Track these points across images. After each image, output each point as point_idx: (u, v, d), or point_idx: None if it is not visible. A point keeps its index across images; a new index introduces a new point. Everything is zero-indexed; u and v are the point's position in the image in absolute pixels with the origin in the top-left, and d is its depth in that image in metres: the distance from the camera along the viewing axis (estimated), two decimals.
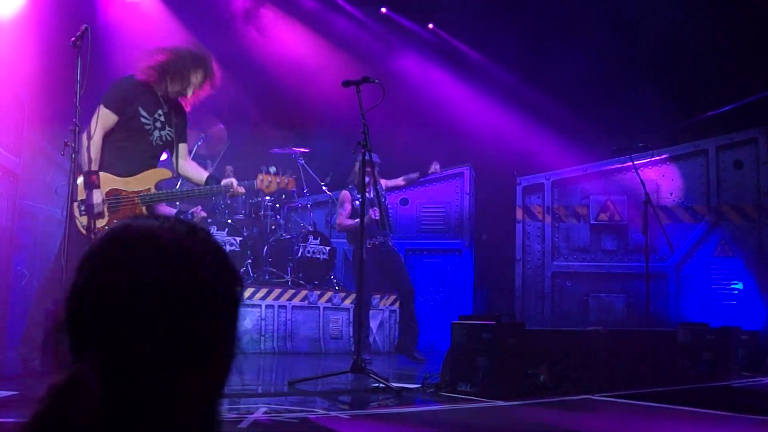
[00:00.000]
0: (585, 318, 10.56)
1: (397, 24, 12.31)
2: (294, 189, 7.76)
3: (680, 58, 10.80)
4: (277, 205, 9.80)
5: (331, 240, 9.90)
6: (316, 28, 11.84)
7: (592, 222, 11.07)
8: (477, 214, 11.63)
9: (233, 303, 1.14)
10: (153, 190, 5.61)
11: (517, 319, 6.53)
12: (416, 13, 12.25)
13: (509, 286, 11.51)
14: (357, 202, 8.41)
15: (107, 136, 5.58)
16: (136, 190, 5.55)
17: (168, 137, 5.85)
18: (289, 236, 9.73)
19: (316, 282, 9.58)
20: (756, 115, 10.52)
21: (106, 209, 5.44)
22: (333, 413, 4.42)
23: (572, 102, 11.26)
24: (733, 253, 10.20)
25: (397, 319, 9.04)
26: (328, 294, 9.46)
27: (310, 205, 10.31)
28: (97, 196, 5.36)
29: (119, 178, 5.53)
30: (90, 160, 5.35)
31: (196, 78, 5.81)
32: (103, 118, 5.54)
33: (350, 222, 8.51)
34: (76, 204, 5.35)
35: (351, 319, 9.38)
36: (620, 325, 9.96)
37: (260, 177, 6.01)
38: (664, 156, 10.76)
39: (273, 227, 9.79)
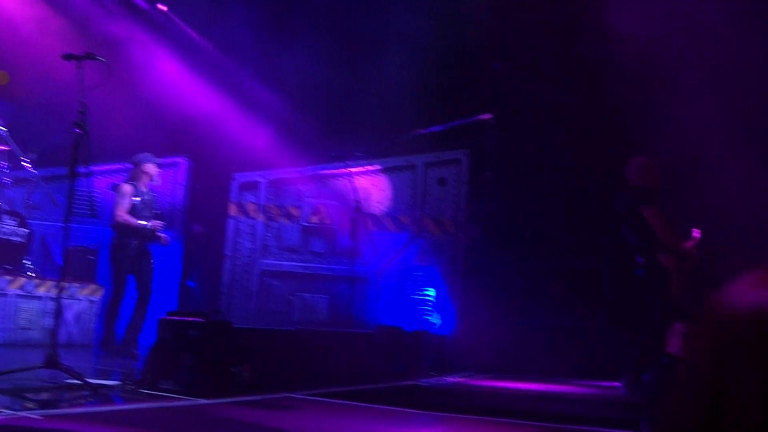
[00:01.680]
0: (289, 317, 10.77)
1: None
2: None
3: (400, 76, 11.38)
4: None
5: (29, 222, 9.18)
6: None
7: (304, 223, 11.31)
8: (190, 207, 11.42)
9: None
10: None
11: (224, 316, 6.48)
12: None
13: (217, 281, 11.42)
14: (137, 199, 8.83)
15: None
16: None
17: None
18: None
19: (9, 267, 8.82)
20: (461, 138, 11.38)
21: None
22: (22, 413, 4.08)
23: (296, 105, 11.44)
24: (430, 263, 10.93)
25: (129, 318, 8.81)
26: (21, 280, 8.74)
27: (9, 182, 9.46)
28: None
29: None
30: None
31: None
32: None
33: (133, 220, 8.76)
34: None
35: (47, 309, 8.77)
36: (323, 325, 10.28)
37: None
38: (377, 167, 11.27)
39: None
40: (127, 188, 8.90)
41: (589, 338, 10.03)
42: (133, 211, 8.82)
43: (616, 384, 7.32)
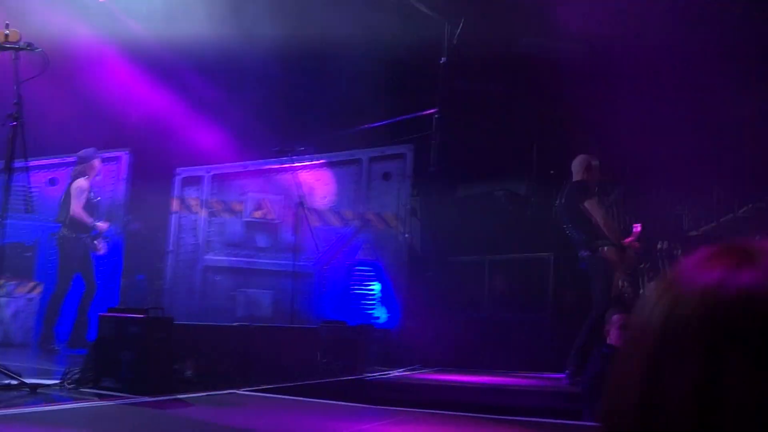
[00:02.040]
0: (233, 313, 10.66)
1: None
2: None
3: (346, 71, 11.37)
4: None
5: None
6: None
7: (247, 219, 11.21)
8: (131, 202, 11.22)
9: None
10: None
11: (166, 312, 6.39)
12: None
13: (159, 277, 11.27)
14: (91, 194, 9.19)
15: None
16: None
17: None
18: None
19: None
20: (406, 133, 11.41)
21: None
22: None
23: (239, 100, 11.33)
24: (374, 257, 10.93)
25: (76, 314, 8.92)
26: None
27: None
28: None
29: None
30: None
31: None
32: None
33: (87, 217, 9.05)
34: None
35: None
36: (267, 321, 10.20)
37: None
38: (321, 161, 11.22)
39: None
40: (84, 184, 8.97)
41: (533, 331, 10.16)
42: (88, 206, 8.88)
43: (560, 375, 7.43)
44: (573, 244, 7.66)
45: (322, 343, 7.76)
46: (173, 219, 11.27)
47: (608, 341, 4.86)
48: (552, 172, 10.56)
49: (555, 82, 10.09)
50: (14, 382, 5.08)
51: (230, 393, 5.72)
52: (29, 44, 5.65)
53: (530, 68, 10.59)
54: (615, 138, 8.95)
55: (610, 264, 7.26)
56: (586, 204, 7.34)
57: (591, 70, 9.82)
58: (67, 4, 11.36)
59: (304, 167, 10.93)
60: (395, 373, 8.54)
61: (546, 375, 8.70)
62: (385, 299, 10.70)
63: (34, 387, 5.09)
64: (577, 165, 7.71)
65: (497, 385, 7.79)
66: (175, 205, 11.27)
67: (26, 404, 4.64)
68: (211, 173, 11.36)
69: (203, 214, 11.29)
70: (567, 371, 7.18)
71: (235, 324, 7.09)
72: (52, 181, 10.76)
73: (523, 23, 10.61)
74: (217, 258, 11.21)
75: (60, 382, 5.44)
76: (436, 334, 10.14)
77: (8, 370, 5.18)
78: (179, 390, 5.51)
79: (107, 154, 10.82)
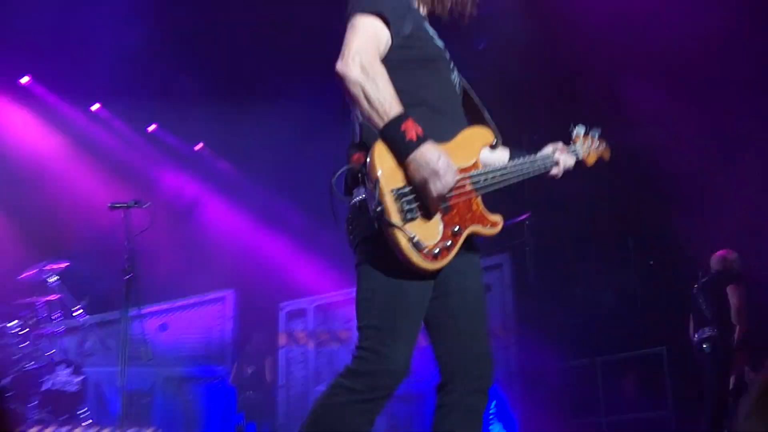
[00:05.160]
0: None
1: (163, 143, 12.15)
2: None
3: None
4: (24, 331, 8.98)
5: (84, 369, 9.27)
6: (78, 141, 11.37)
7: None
8: (239, 340, 11.42)
9: None
10: (480, 166, 3.06)
11: None
12: (185, 133, 12.12)
13: (271, 413, 11.31)
14: None
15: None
16: (463, 166, 2.98)
17: (459, 82, 3.20)
18: (35, 366, 8.91)
19: (64, 417, 8.82)
20: (501, 242, 11.38)
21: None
22: None
23: (333, 225, 11.60)
24: None
25: None
26: (77, 431, 8.71)
27: (62, 331, 9.59)
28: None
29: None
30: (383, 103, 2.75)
31: None
32: (375, 33, 2.82)
33: None
34: (390, 195, 2.78)
35: None
36: None
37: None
38: None
39: (16, 357, 8.93)
40: None
41: (655, 429, 9.74)
42: None
43: None
44: (699, 322, 7.48)
45: None
46: (281, 353, 11.37)
47: None
48: (651, 263, 10.34)
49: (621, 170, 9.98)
50: None
51: None
52: (137, 201, 6.01)
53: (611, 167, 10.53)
54: None
55: (734, 351, 7.03)
56: (730, 287, 7.27)
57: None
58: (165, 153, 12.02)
59: None
60: None
61: None
62: (500, 414, 10.43)
63: None
64: (715, 261, 7.69)
65: None
66: (282, 339, 11.41)
67: None
68: (315, 304, 11.50)
69: (311, 345, 11.37)
70: None
71: None
72: (163, 327, 11.06)
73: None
74: None
75: None
76: None
77: None
78: None
79: (213, 295, 11.14)
